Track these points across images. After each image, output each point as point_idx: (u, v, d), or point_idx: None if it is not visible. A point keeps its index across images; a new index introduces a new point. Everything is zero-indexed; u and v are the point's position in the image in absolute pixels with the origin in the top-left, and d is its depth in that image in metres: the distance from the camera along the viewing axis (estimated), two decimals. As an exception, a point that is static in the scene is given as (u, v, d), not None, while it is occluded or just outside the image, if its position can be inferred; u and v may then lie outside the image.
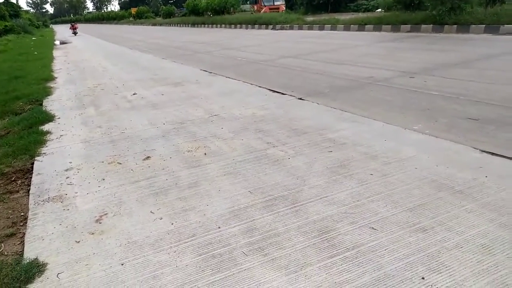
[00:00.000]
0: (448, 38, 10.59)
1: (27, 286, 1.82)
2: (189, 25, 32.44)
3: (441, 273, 1.67)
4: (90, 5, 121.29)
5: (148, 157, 3.37)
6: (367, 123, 3.85)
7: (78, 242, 2.14)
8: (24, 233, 2.29)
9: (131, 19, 59.08)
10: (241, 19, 25.20)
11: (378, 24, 14.40)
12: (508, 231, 1.92)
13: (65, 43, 22.78)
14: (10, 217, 2.53)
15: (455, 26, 11.67)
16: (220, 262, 1.87)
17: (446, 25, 11.94)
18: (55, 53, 15.31)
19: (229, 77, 7.08)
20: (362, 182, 2.58)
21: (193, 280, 1.76)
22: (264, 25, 21.53)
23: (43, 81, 7.81)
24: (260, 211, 2.31)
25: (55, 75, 8.87)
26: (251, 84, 6.30)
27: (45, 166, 3.28)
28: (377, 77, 6.04)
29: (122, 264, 1.92)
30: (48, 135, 4.16)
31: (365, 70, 6.72)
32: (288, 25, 19.65)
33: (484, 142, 3.11)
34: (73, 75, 8.85)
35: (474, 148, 3.00)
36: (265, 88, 5.87)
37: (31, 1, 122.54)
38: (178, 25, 35.17)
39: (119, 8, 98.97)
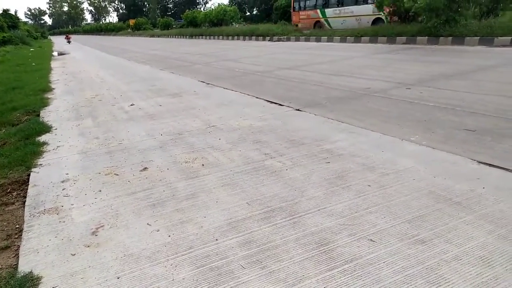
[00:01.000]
0: (443, 50, 10.72)
1: (21, 301, 1.78)
2: (187, 36, 32.72)
3: (440, 286, 1.66)
4: (88, 17, 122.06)
5: (146, 168, 3.36)
6: (364, 134, 3.86)
7: (74, 255, 2.11)
8: (19, 246, 2.26)
9: (129, 30, 59.54)
10: (238, 31, 25.45)
11: (374, 36, 14.58)
12: (507, 243, 1.92)
13: (63, 54, 22.87)
14: (5, 229, 2.50)
15: (450, 38, 11.83)
16: (218, 275, 1.85)
17: (441, 37, 12.10)
18: (53, 64, 15.35)
19: (226, 88, 7.11)
20: (360, 193, 2.57)
21: (190, 293, 1.74)
22: (261, 37, 21.73)
23: (40, 92, 7.81)
24: (258, 223, 2.30)
25: (53, 86, 8.88)
26: (249, 95, 6.32)
27: (41, 178, 3.25)
28: (374, 88, 6.08)
29: (118, 278, 1.89)
30: (44, 146, 4.14)
31: (361, 81, 6.78)
32: (285, 37, 19.85)
33: (481, 153, 3.12)
34: (71, 86, 8.86)
35: (472, 159, 3.01)
36: (263, 99, 5.90)
37: (29, 13, 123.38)
38: (176, 36, 35.45)
39: (117, 19, 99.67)
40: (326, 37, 16.92)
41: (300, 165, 3.15)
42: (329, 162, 3.16)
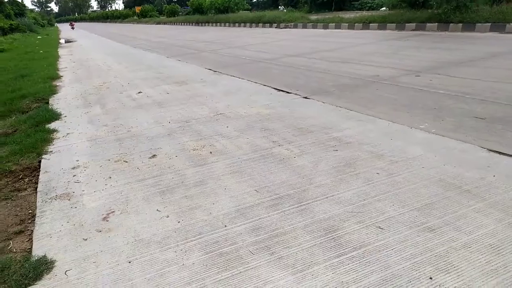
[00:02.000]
0: (453, 37, 10.52)
1: (35, 283, 1.83)
2: (193, 23, 32.48)
3: (449, 273, 1.67)
4: (94, 4, 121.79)
5: (154, 155, 3.38)
6: (372, 122, 3.84)
7: (86, 239, 2.15)
8: (32, 231, 2.31)
9: (135, 17, 59.25)
10: (245, 18, 25.18)
11: (382, 23, 14.34)
12: (516, 231, 1.91)
13: (70, 41, 22.88)
14: (18, 214, 2.55)
15: (461, 24, 11.60)
16: (227, 261, 1.87)
17: (451, 24, 11.87)
18: (60, 51, 15.38)
19: (233, 76, 7.09)
20: (369, 181, 2.57)
21: (199, 278, 1.77)
22: (268, 24, 21.50)
23: (49, 79, 7.84)
24: (266, 210, 2.31)
25: (61, 73, 8.92)
26: (256, 82, 6.29)
27: (52, 164, 3.30)
28: (383, 75, 6.02)
29: (129, 262, 1.93)
30: (54, 133, 4.19)
31: (370, 68, 6.70)
32: (292, 24, 19.62)
33: (491, 141, 3.09)
34: (79, 73, 8.89)
35: (482, 147, 2.98)
36: (270, 86, 5.87)
37: (36, 0, 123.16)
38: (182, 23, 35.21)
39: (123, 7, 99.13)
40: (333, 24, 16.69)
41: (308, 152, 3.15)
42: (337, 150, 3.15)
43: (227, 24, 26.41)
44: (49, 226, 2.32)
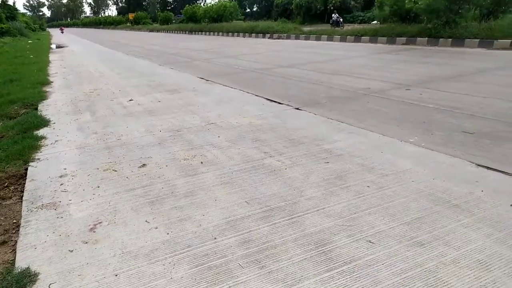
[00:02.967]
0: (443, 52, 10.73)
1: (18, 297, 1.78)
2: (187, 32, 32.59)
3: (438, 289, 1.66)
4: (87, 10, 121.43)
5: (144, 164, 3.34)
6: (363, 134, 3.86)
7: (72, 251, 2.10)
8: (16, 241, 2.25)
9: (128, 24, 59.26)
10: (238, 27, 25.37)
11: (374, 36, 14.58)
12: (505, 247, 1.93)
13: (62, 47, 22.73)
14: (2, 224, 2.48)
15: (450, 39, 11.85)
16: (216, 274, 1.85)
17: (441, 39, 12.12)
18: (51, 57, 15.25)
19: (226, 85, 7.09)
20: (359, 194, 2.57)
21: (188, 292, 1.74)
22: (261, 34, 21.68)
23: (38, 85, 7.75)
24: (256, 222, 2.29)
25: (51, 79, 8.82)
26: (248, 92, 6.31)
27: (39, 172, 3.24)
28: (373, 88, 6.08)
29: (116, 275, 1.88)
30: (43, 140, 4.12)
31: (361, 81, 6.77)
32: (285, 34, 19.81)
33: (479, 156, 3.13)
34: (69, 79, 8.81)
35: (470, 162, 3.02)
36: (262, 97, 5.89)
37: (28, 4, 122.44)
38: (176, 31, 35.30)
39: (116, 13, 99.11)
40: (326, 35, 16.91)
41: (299, 164, 3.15)
42: (328, 162, 3.16)
43: (220, 33, 26.55)
44: (34, 236, 2.26)
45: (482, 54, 9.74)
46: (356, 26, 21.09)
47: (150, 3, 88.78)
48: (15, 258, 2.07)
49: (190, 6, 38.41)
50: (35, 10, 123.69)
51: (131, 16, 61.40)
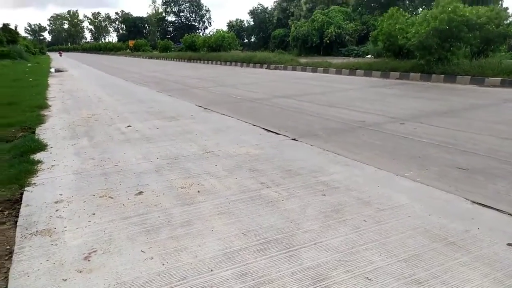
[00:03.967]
0: (436, 87, 11.02)
1: (8, 328, 1.73)
2: (185, 60, 33.19)
3: (437, 329, 1.65)
4: (88, 35, 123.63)
5: (141, 192, 3.33)
6: (359, 167, 3.91)
7: (65, 280, 2.06)
8: (8, 268, 2.21)
9: (128, 51, 60.28)
10: (236, 57, 25.91)
11: (368, 70, 14.97)
12: None
13: (61, 71, 22.97)
14: (-5, 250, 2.44)
15: (443, 75, 12.20)
16: (213, 309, 1.82)
17: (434, 74, 12.48)
18: (50, 80, 15.38)
19: (224, 114, 7.18)
20: (356, 228, 2.58)
21: (184, 327, 1.70)
22: (259, 64, 22.15)
23: (36, 108, 7.78)
24: (253, 255, 2.28)
25: (50, 103, 8.87)
26: (246, 122, 6.38)
27: (34, 197, 3.21)
28: (368, 121, 6.20)
29: (110, 307, 1.84)
30: (39, 164, 4.10)
31: (356, 114, 6.91)
32: (282, 66, 20.26)
33: (474, 193, 3.17)
34: (68, 104, 8.87)
35: (465, 198, 3.05)
36: (260, 127, 5.96)
37: (29, 28, 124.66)
38: (175, 59, 35.94)
39: (117, 39, 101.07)
40: (322, 68, 17.32)
41: (296, 196, 3.17)
42: (325, 195, 3.18)
43: (218, 62, 27.08)
44: (27, 264, 2.22)
45: (473, 91, 10.02)
46: (351, 60, 21.68)
47: (150, 31, 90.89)
48: (7, 286, 2.02)
49: (189, 35, 39.32)
50: (36, 34, 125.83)
51: (131, 43, 62.60)
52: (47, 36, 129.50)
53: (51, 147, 4.86)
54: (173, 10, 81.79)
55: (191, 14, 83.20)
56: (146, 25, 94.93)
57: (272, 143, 4.95)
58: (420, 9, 32.91)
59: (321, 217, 2.76)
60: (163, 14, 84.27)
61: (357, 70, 15.41)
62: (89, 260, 2.26)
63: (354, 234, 2.50)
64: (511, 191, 3.21)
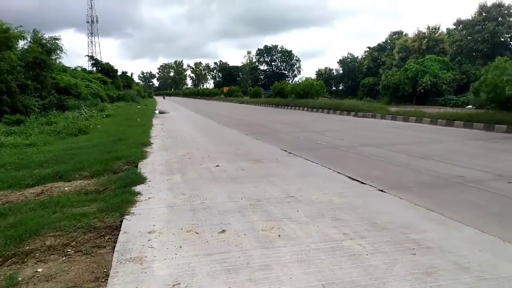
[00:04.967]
0: (553, 143, 9.61)
1: None
2: (273, 105, 34.46)
3: None
4: (189, 82, 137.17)
5: (224, 230, 3.45)
6: (457, 227, 3.52)
7: (150, 308, 2.19)
8: (103, 290, 2.43)
9: (222, 96, 65.03)
10: (323, 104, 26.07)
11: (468, 121, 13.74)
12: None
13: (164, 113, 25.63)
14: (94, 271, 2.72)
15: (562, 130, 10.61)
16: None
17: (550, 129, 10.93)
18: (154, 121, 17.23)
19: (307, 159, 7.18)
20: (452, 297, 2.29)
21: None
22: (346, 112, 21.94)
23: (141, 145, 8.74)
24: (332, 310, 2.16)
25: (152, 141, 9.90)
26: (330, 169, 6.28)
27: (131, 226, 3.54)
28: (469, 177, 5.61)
29: None
30: (138, 196, 4.54)
31: (454, 168, 6.32)
32: (370, 114, 19.76)
33: None
34: (167, 142, 9.78)
35: None
36: (344, 174, 5.80)
37: (142, 75, 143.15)
38: (263, 104, 37.57)
39: (213, 86, 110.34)
40: (414, 117, 16.44)
41: (382, 251, 2.96)
42: (415, 254, 2.91)
43: (305, 108, 27.54)
44: None
45: None
46: (449, 110, 20.21)
47: (243, 79, 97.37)
48: (101, 307, 2.22)
49: (279, 82, 41.08)
50: (147, 80, 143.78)
51: (225, 89, 67.66)
52: (155, 82, 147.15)
53: (150, 181, 5.36)
54: (266, 60, 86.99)
55: (282, 63, 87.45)
56: (240, 73, 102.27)
57: (357, 193, 4.76)
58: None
59: (410, 278, 2.52)
60: (256, 64, 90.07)
61: (456, 121, 14.24)
62: (172, 292, 2.37)
63: (450, 303, 2.21)
64: None
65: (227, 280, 2.51)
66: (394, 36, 56.95)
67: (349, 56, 66.65)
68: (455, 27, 44.03)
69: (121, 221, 3.66)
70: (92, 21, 67.28)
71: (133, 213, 3.91)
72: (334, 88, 68.42)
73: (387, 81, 34.37)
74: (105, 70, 39.59)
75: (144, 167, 6.35)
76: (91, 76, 32.36)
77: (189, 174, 5.88)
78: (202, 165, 6.62)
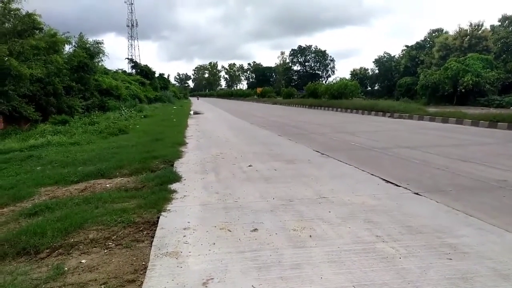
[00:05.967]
0: None
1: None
2: (307, 106, 34.24)
3: None
4: (223, 83, 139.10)
5: (256, 229, 3.52)
6: (497, 233, 3.39)
7: (185, 300, 2.29)
8: (142, 282, 2.57)
9: (255, 97, 65.42)
10: (357, 104, 25.59)
11: (514, 122, 13.01)
12: None
13: (198, 113, 26.19)
14: (134, 264, 2.88)
15: None
16: None
17: None
18: (189, 121, 17.66)
19: (340, 161, 7.12)
20: (489, 303, 2.23)
21: None
22: (381, 113, 21.41)
23: (176, 145, 9.02)
24: (363, 311, 2.17)
25: (187, 140, 10.19)
26: (363, 170, 6.20)
27: (167, 222, 3.69)
28: (512, 181, 5.35)
29: (220, 333, 1.97)
30: (174, 193, 4.72)
31: (496, 171, 6.04)
32: (407, 115, 19.17)
33: None
34: (201, 142, 10.03)
35: None
36: (378, 176, 5.71)
37: (178, 77, 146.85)
38: (296, 105, 37.41)
39: (246, 87, 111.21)
40: (454, 118, 15.78)
41: (416, 255, 2.91)
42: (451, 259, 2.84)
43: (339, 109, 27.16)
44: (157, 281, 2.55)
45: None
46: (492, 110, 19.21)
47: (277, 79, 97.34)
48: (140, 297, 2.36)
49: (312, 83, 40.73)
50: (182, 82, 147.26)
51: (258, 90, 68.01)
52: (190, 83, 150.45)
53: (185, 179, 5.54)
54: (299, 60, 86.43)
55: (315, 64, 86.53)
56: (273, 74, 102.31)
57: (391, 195, 4.68)
58: None
59: (445, 283, 2.48)
60: (290, 64, 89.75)
61: (499, 123, 13.54)
62: (206, 286, 2.47)
63: (486, 310, 2.16)
64: None
65: (259, 277, 2.58)
66: (433, 34, 54.80)
67: (385, 55, 64.86)
68: (500, 23, 41.75)
69: (158, 217, 3.82)
70: (132, 25, 69.74)
71: (169, 210, 4.08)
72: (369, 88, 66.88)
73: (425, 80, 33.15)
74: (143, 72, 41.02)
75: (180, 166, 6.56)
76: (131, 78, 33.69)
77: (222, 174, 6.01)
78: (235, 165, 6.75)
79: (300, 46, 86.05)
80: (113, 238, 3.37)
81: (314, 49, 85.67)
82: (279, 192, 4.87)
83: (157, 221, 3.74)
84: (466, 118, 15.36)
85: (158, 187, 4.95)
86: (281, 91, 58.71)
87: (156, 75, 47.15)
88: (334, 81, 36.37)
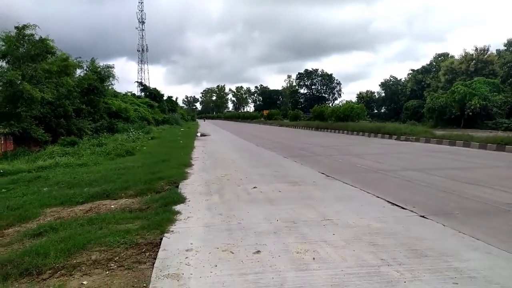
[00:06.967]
0: None
1: None
2: (313, 128, 34.31)
3: None
4: (230, 105, 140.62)
5: (259, 251, 3.49)
6: (505, 257, 3.31)
7: (185, 323, 2.26)
8: (142, 303, 2.55)
9: (262, 119, 65.83)
10: (364, 127, 25.58)
11: (523, 145, 12.88)
12: None
13: (205, 135, 26.37)
14: (135, 285, 2.86)
15: None
16: None
17: None
18: (196, 143, 17.78)
19: (346, 183, 7.08)
20: (496, 330, 2.16)
21: None
22: (388, 135, 21.35)
23: (182, 166, 9.06)
24: (366, 336, 2.12)
25: (193, 162, 10.23)
26: (369, 193, 6.15)
27: (170, 243, 3.68)
28: (521, 205, 5.26)
29: None
30: (178, 215, 4.72)
31: (504, 195, 5.95)
32: (414, 137, 19.09)
33: None
34: (207, 164, 10.06)
35: None
36: (384, 199, 5.66)
37: (186, 100, 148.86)
38: (303, 127, 37.52)
39: (253, 109, 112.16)
40: (462, 141, 15.67)
41: (421, 279, 2.85)
42: (457, 284, 2.78)
43: (345, 131, 27.16)
44: (157, 301, 2.53)
45: None
46: (500, 133, 19.08)
47: (283, 102, 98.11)
48: (139, 318, 2.33)
49: (319, 106, 41.04)
50: (190, 104, 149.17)
51: (265, 112, 68.57)
52: (198, 106, 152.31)
53: (189, 201, 5.54)
54: (306, 83, 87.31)
55: (322, 87, 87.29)
56: (280, 97, 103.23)
57: (396, 218, 4.63)
58: None
59: (450, 308, 2.41)
60: (296, 87, 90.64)
61: (507, 146, 13.41)
62: (206, 308, 2.44)
63: (493, 337, 2.09)
64: None
65: (260, 300, 2.54)
66: (439, 58, 55.30)
67: (391, 78, 65.40)
68: (505, 48, 42.05)
69: (161, 239, 3.82)
70: (142, 50, 71.50)
71: (172, 231, 4.07)
72: (376, 111, 67.07)
73: (432, 103, 33.20)
74: (152, 95, 41.75)
75: (185, 187, 6.57)
76: (140, 101, 34.28)
77: (227, 195, 6.01)
78: (240, 187, 6.74)
79: (306, 70, 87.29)
80: (115, 259, 3.36)
81: (320, 73, 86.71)
82: (283, 214, 4.84)
83: (160, 242, 3.73)
84: (473, 141, 15.25)
85: (162, 208, 4.96)
86: (287, 114, 59.09)
87: (165, 97, 47.92)
88: (340, 104, 36.56)
